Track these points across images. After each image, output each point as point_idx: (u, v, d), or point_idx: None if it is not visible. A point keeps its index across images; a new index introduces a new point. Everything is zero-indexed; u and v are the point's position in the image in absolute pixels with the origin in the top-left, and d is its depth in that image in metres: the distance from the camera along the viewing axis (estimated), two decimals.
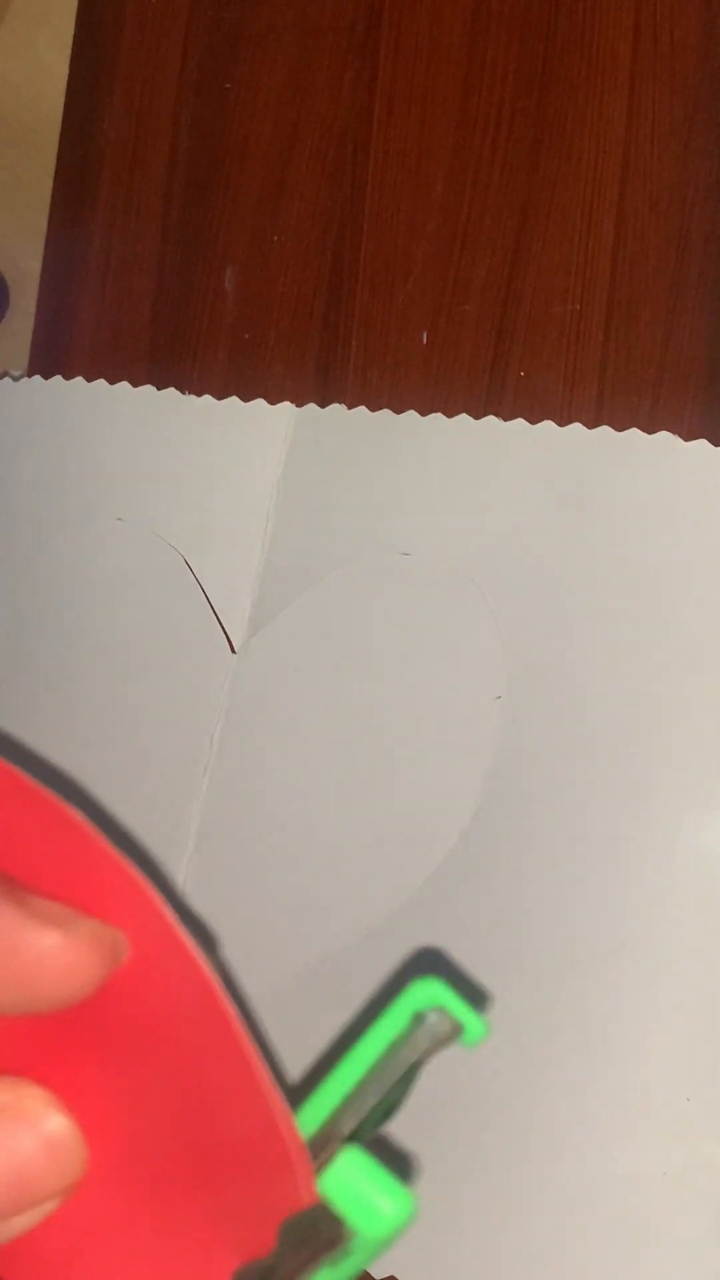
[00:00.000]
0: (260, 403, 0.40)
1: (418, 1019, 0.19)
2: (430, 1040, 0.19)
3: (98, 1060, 0.19)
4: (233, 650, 0.40)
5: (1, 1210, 0.18)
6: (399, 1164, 0.35)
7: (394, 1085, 0.20)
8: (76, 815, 0.18)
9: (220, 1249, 0.18)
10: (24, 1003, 0.17)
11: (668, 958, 0.34)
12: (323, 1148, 0.18)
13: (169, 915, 0.18)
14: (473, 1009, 0.19)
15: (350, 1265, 0.17)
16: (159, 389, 0.42)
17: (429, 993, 0.19)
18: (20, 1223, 0.19)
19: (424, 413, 0.38)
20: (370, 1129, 0.19)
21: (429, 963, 0.36)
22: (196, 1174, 0.18)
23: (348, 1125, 0.19)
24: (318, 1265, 0.17)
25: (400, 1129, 0.35)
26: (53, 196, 0.44)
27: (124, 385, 0.42)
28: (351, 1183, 0.17)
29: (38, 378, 0.43)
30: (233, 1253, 0.18)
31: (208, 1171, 0.18)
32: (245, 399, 0.41)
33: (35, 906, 0.18)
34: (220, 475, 0.41)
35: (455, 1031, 0.19)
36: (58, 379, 0.43)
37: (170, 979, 0.18)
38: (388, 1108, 0.20)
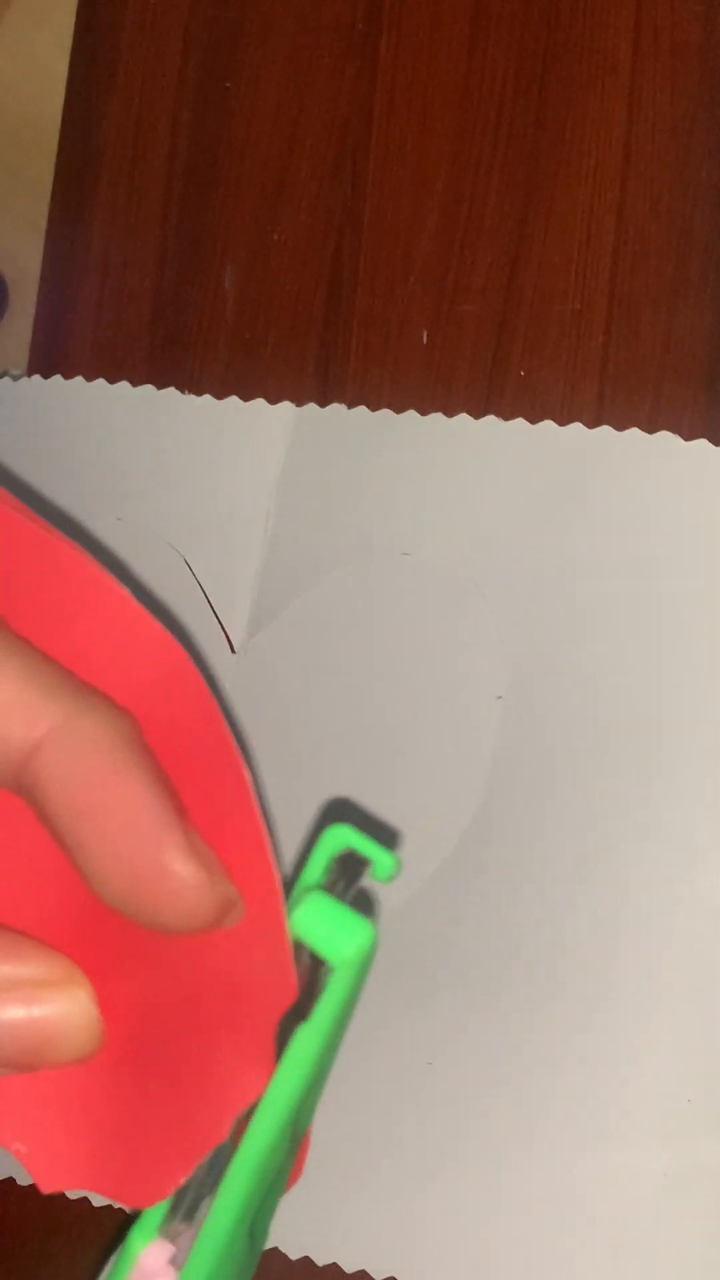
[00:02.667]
0: (260, 402, 0.40)
1: (331, 862, 0.21)
2: (344, 879, 0.21)
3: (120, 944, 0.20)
4: (233, 650, 0.40)
5: (10, 1063, 0.20)
6: (400, 1161, 0.35)
7: None
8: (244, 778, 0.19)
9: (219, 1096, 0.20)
10: (139, 913, 0.19)
11: (670, 958, 0.34)
12: None
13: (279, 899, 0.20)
14: (382, 847, 0.21)
15: (332, 999, 0.20)
16: (159, 388, 0.42)
17: (338, 837, 0.21)
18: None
19: (424, 412, 0.38)
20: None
21: (340, 812, 0.37)
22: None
23: None
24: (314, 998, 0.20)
25: (400, 1129, 0.35)
26: (52, 195, 0.44)
27: (124, 385, 0.42)
28: (316, 920, 0.19)
29: (37, 377, 0.43)
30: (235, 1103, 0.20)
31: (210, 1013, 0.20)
32: (245, 398, 0.41)
33: (197, 844, 0.19)
34: (220, 475, 0.41)
35: (365, 867, 0.21)
36: (57, 378, 0.43)
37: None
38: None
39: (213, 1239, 0.21)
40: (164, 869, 0.19)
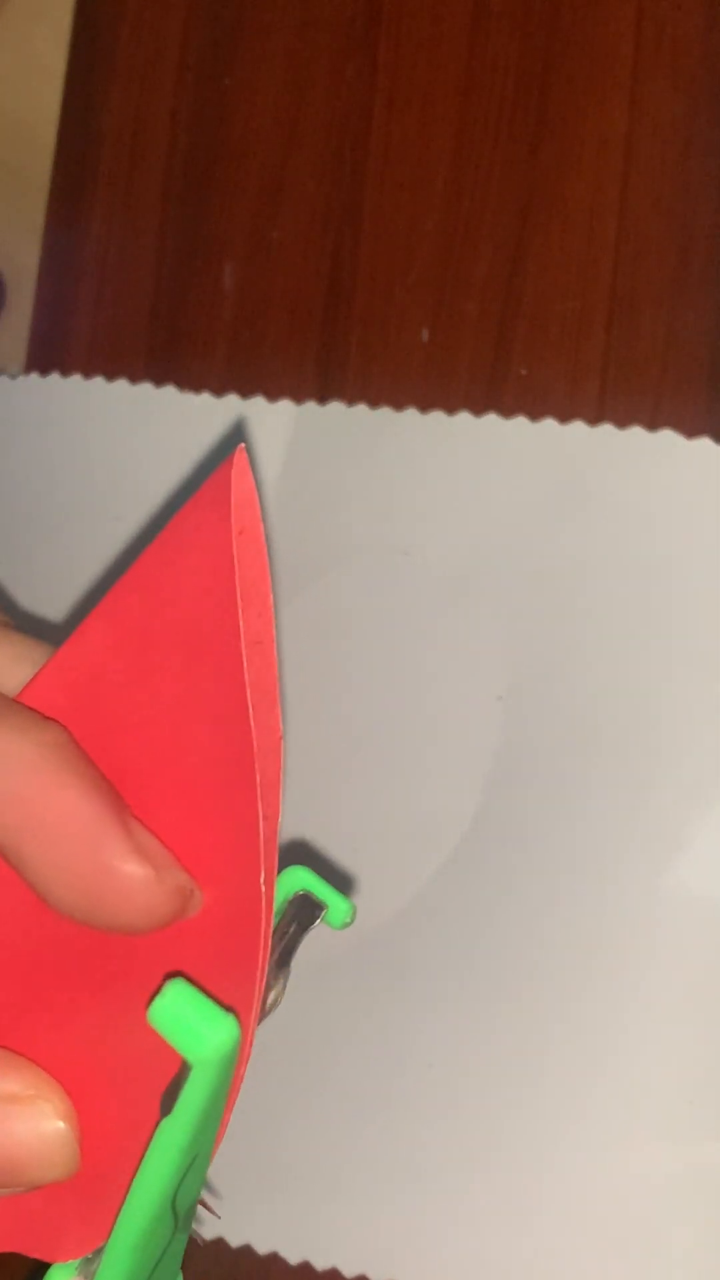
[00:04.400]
0: (259, 400, 0.40)
1: (287, 904, 0.21)
2: (297, 922, 0.21)
3: None
4: None
5: None
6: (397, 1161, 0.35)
7: (272, 970, 0.21)
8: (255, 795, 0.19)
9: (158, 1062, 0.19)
10: (94, 919, 0.19)
11: (671, 959, 0.34)
12: None
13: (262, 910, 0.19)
14: (337, 892, 0.21)
15: (193, 1097, 0.18)
16: (157, 386, 0.41)
17: (295, 879, 0.21)
18: None
19: (424, 410, 0.38)
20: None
21: (298, 854, 0.37)
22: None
23: None
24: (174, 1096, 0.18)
25: (400, 1132, 0.35)
26: (50, 193, 0.44)
27: (122, 383, 0.42)
28: (176, 1011, 0.18)
29: (35, 375, 0.43)
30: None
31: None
32: (244, 396, 0.40)
33: (140, 839, 0.19)
34: None
35: (320, 911, 0.21)
36: (55, 376, 0.43)
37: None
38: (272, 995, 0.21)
39: None
40: (109, 870, 0.19)
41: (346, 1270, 0.35)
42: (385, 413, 0.39)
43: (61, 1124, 0.20)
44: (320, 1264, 0.35)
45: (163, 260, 0.43)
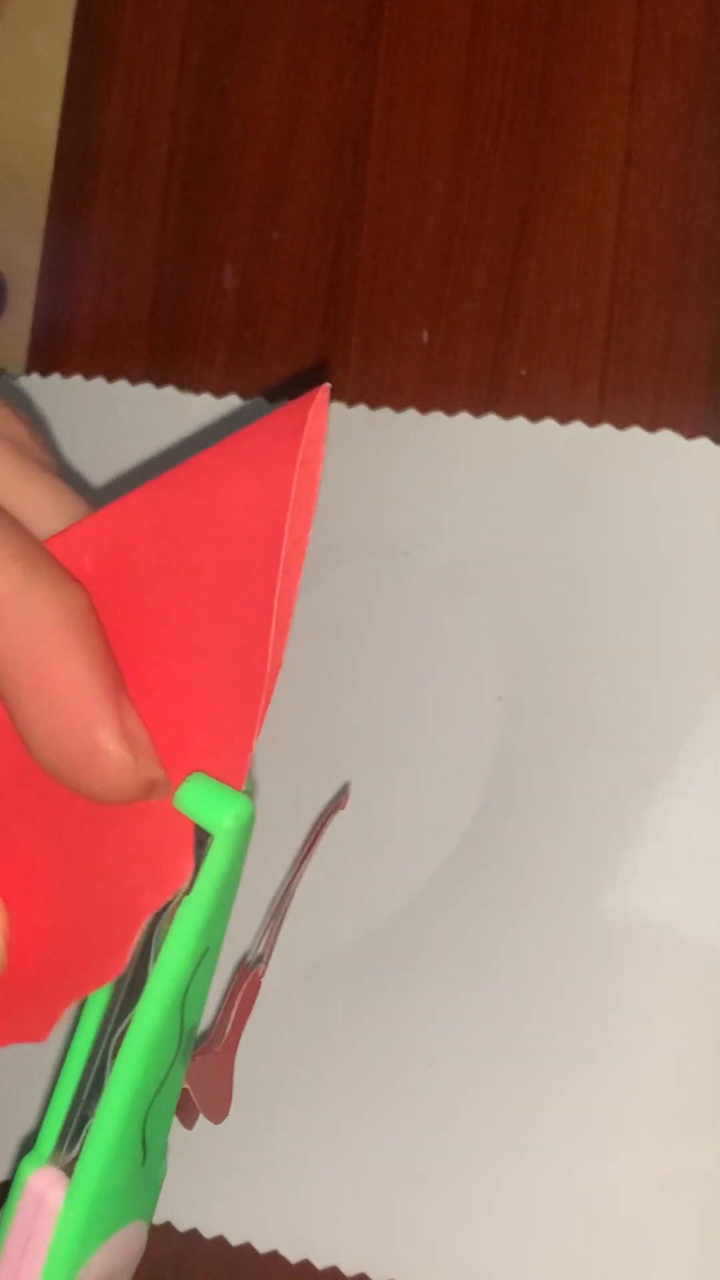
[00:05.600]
0: (260, 401, 0.40)
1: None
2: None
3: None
4: None
5: None
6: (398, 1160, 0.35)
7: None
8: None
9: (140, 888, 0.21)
10: (67, 782, 0.20)
11: (670, 959, 0.34)
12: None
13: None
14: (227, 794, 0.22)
15: (213, 869, 0.21)
16: (158, 387, 0.41)
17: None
18: None
19: (424, 411, 0.38)
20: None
21: None
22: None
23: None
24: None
25: (400, 1131, 0.35)
26: (51, 193, 0.44)
27: (122, 383, 0.42)
28: (196, 796, 0.20)
29: (35, 376, 0.43)
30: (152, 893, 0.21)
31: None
32: (245, 397, 0.41)
33: (129, 724, 0.20)
34: None
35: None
36: (55, 377, 0.43)
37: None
38: None
39: (108, 1126, 0.22)
40: (94, 747, 0.20)
41: (346, 1269, 0.35)
42: (385, 413, 0.39)
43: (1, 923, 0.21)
44: (320, 1263, 0.35)
45: (163, 260, 0.43)
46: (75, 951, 0.21)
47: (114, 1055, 0.22)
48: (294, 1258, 0.35)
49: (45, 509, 0.22)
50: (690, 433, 0.36)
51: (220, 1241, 0.36)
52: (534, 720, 0.36)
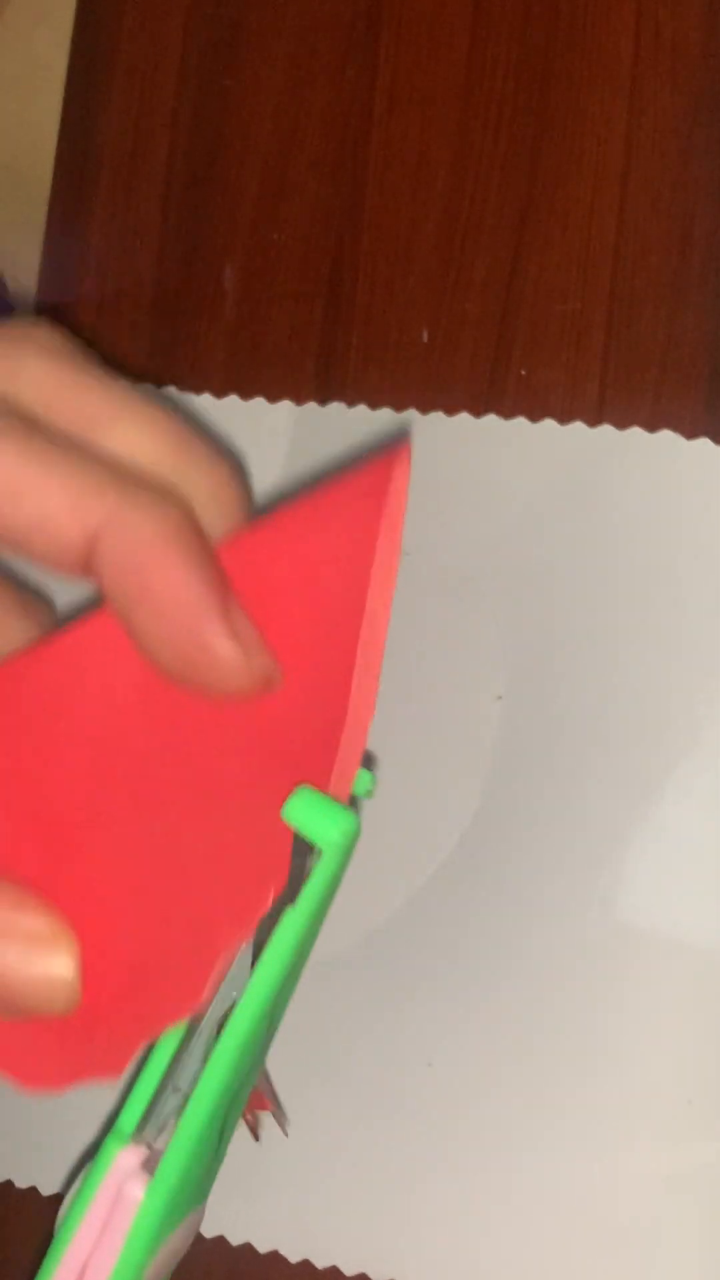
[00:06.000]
0: (260, 401, 0.40)
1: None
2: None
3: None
4: None
5: None
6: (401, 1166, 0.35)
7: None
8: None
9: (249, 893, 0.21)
10: (189, 682, 0.21)
11: (670, 958, 0.34)
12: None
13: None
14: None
15: (317, 882, 0.21)
16: (158, 387, 0.41)
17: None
18: None
19: (424, 411, 0.38)
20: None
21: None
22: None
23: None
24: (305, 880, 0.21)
25: (400, 1131, 0.35)
26: (51, 194, 0.44)
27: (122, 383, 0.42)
28: (305, 809, 0.21)
29: None
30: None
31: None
32: (245, 397, 0.40)
33: (236, 621, 0.21)
34: None
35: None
36: None
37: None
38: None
39: (191, 1127, 0.22)
40: (205, 647, 0.21)
41: (346, 1269, 0.35)
42: (385, 413, 0.39)
43: (71, 970, 0.22)
44: (320, 1263, 0.35)
45: (163, 261, 0.43)
46: (153, 984, 0.21)
47: (203, 1043, 0.22)
48: (294, 1258, 0.35)
49: (104, 406, 0.23)
50: (690, 433, 0.36)
51: (220, 1241, 0.36)
52: (533, 720, 0.36)
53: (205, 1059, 0.22)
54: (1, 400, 0.22)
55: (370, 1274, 0.35)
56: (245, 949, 0.22)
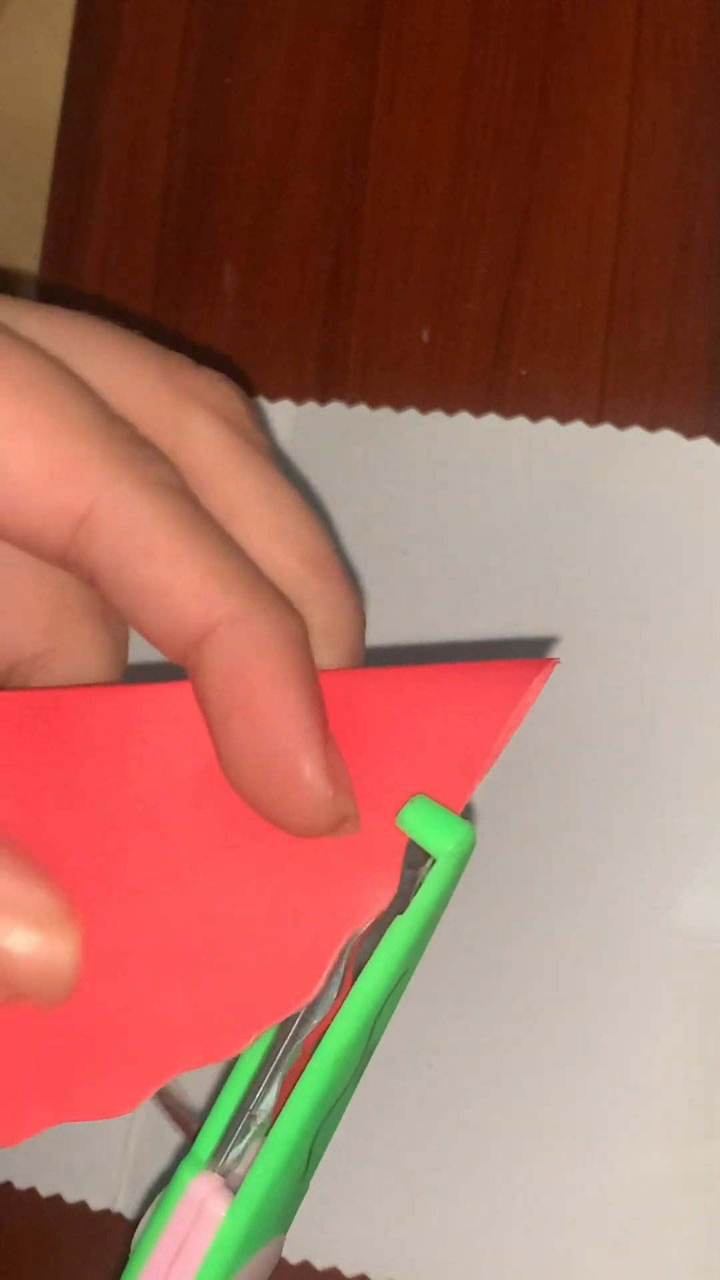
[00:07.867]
0: (260, 401, 0.40)
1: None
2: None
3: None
4: None
5: None
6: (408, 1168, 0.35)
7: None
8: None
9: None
10: (260, 808, 0.20)
11: (670, 960, 0.34)
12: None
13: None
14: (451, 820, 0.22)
15: (429, 892, 0.21)
16: None
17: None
18: None
19: (424, 411, 0.38)
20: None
21: None
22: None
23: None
24: (414, 890, 0.21)
25: (400, 1132, 0.35)
26: (50, 194, 0.44)
27: None
28: (420, 818, 0.20)
29: None
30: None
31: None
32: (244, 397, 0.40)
33: (331, 756, 0.20)
34: None
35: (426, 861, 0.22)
36: None
37: None
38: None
39: (277, 1150, 0.21)
40: (296, 776, 0.20)
41: (346, 1270, 0.35)
42: (385, 413, 0.39)
43: (71, 961, 0.21)
44: (320, 1263, 0.35)
45: (162, 260, 0.43)
46: (265, 976, 0.21)
47: (290, 1063, 0.22)
48: (294, 1258, 0.35)
49: (256, 497, 0.22)
50: (690, 433, 0.36)
51: None
52: (534, 720, 0.36)
53: (285, 1081, 0.21)
54: (172, 456, 0.22)
55: (370, 1274, 0.35)
56: (334, 975, 0.21)
